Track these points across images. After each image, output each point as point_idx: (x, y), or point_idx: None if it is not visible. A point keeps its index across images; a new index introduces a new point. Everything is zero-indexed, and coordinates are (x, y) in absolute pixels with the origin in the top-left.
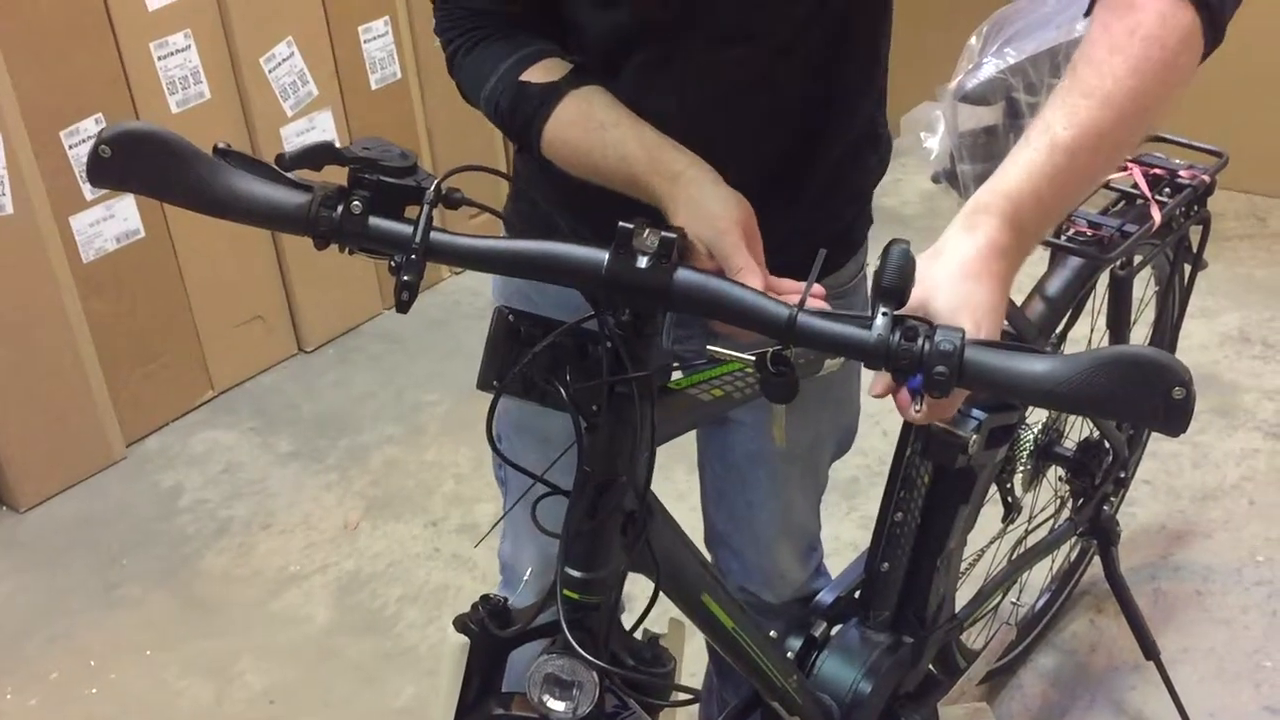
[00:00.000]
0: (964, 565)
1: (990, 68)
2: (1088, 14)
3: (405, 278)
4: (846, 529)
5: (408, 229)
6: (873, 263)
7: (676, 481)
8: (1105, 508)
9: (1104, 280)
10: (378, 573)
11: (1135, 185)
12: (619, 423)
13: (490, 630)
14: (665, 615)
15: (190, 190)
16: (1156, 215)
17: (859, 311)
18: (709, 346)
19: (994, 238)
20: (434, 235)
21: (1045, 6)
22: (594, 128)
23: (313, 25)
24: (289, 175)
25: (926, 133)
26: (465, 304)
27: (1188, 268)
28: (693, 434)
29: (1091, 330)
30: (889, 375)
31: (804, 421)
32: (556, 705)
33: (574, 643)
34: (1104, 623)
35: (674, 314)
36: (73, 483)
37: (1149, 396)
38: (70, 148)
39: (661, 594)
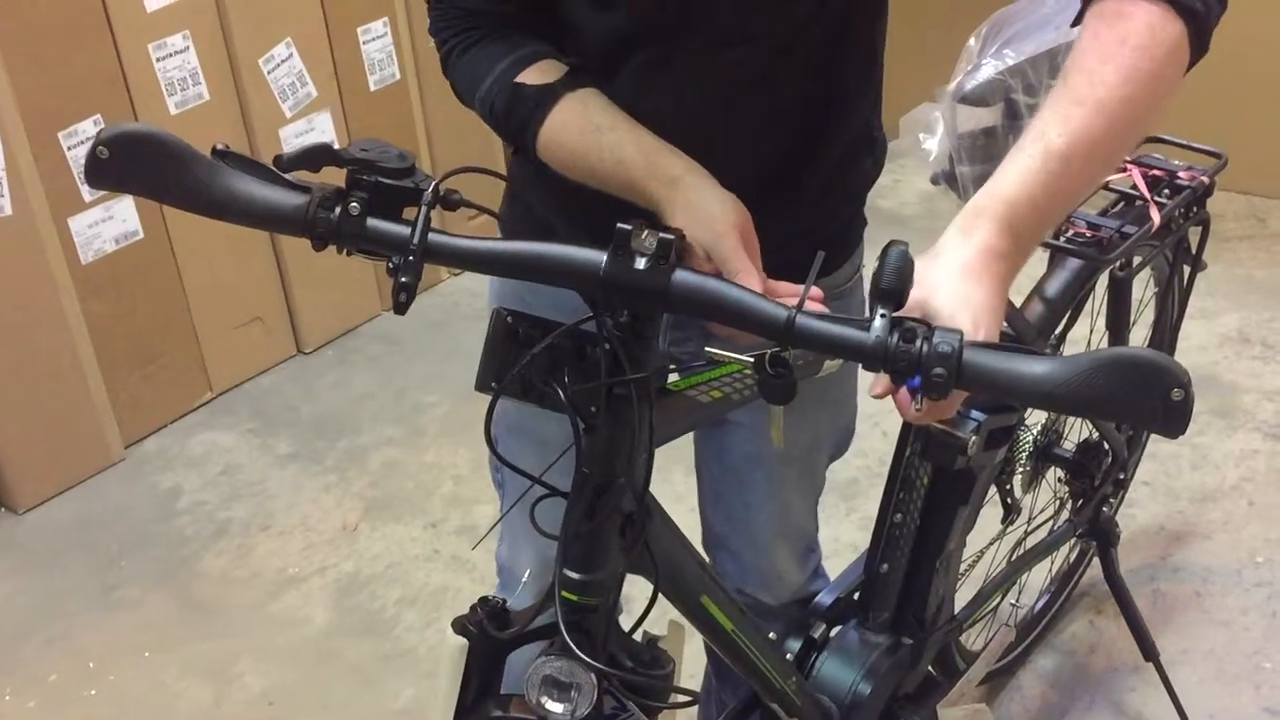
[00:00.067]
0: (963, 566)
1: (989, 69)
2: (1076, 23)
3: (403, 279)
4: (846, 530)
5: (405, 230)
6: (870, 264)
7: (675, 483)
8: (1104, 509)
9: (1103, 281)
10: (377, 574)
11: (1134, 186)
12: (617, 424)
13: (489, 632)
14: (664, 617)
15: (188, 191)
16: (1156, 216)
17: (858, 311)
18: (707, 348)
19: (991, 242)
20: (432, 236)
21: (1044, 8)
22: (590, 131)
23: (312, 26)
24: (287, 176)
25: (925, 134)
26: (464, 305)
27: (1187, 269)
28: (691, 435)
29: (1091, 331)
30: (888, 377)
31: (802, 423)
32: (555, 707)
33: (572, 644)
34: (1103, 624)
35: (671, 316)
36: (71, 484)
37: (1148, 398)
38: (69, 149)
39: (660, 596)
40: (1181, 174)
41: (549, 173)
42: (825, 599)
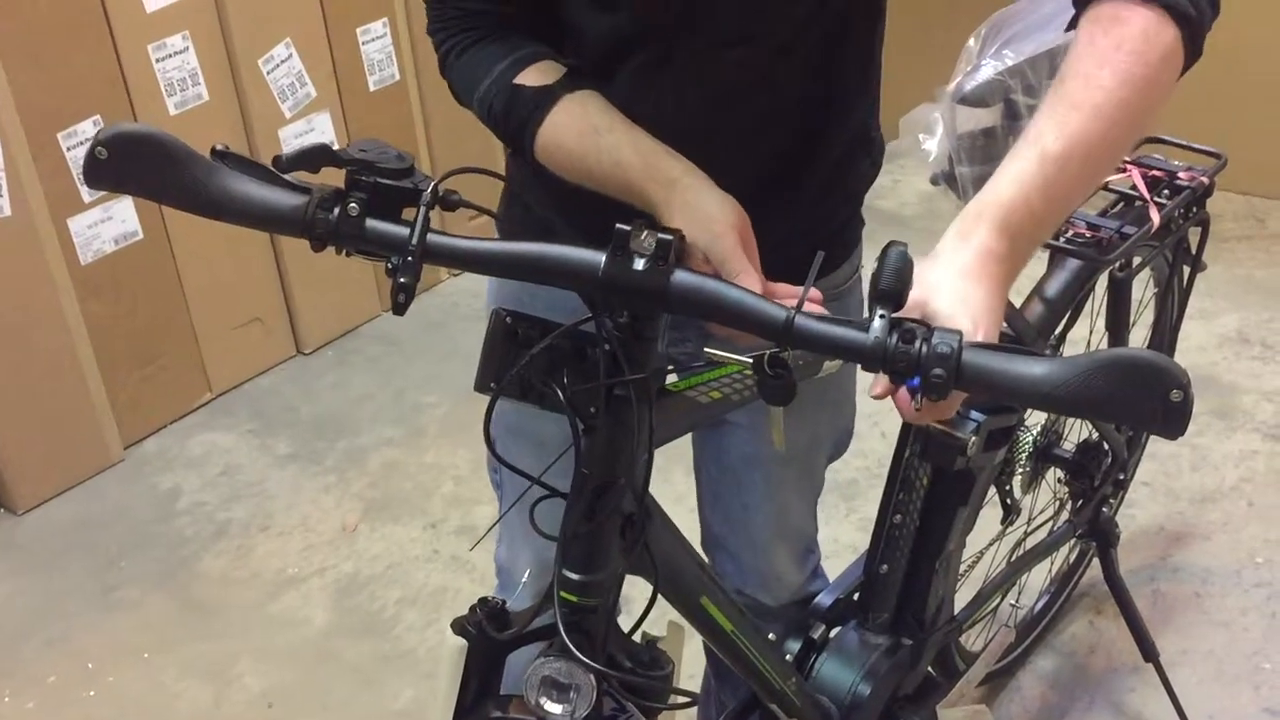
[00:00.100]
0: (963, 567)
1: (989, 69)
2: (1071, 28)
3: (401, 280)
4: (845, 531)
5: (404, 231)
6: (869, 264)
7: (675, 484)
8: (1104, 509)
9: (1103, 282)
10: (376, 575)
11: (1134, 187)
12: (617, 425)
13: (488, 633)
14: (664, 618)
15: (187, 192)
16: (1155, 217)
17: (857, 311)
18: (706, 349)
19: (989, 245)
20: (431, 237)
21: (1044, 8)
22: (589, 132)
23: (311, 27)
24: (286, 177)
25: (925, 135)
26: (464, 306)
27: (1187, 269)
28: (689, 436)
29: (1090, 332)
30: (888, 377)
31: (800, 423)
32: (554, 708)
33: (571, 646)
34: (1103, 624)
35: (669, 317)
36: (70, 485)
37: (1147, 399)
38: (68, 149)
39: (660, 597)
40: (1181, 174)
41: (547, 173)
42: (825, 600)
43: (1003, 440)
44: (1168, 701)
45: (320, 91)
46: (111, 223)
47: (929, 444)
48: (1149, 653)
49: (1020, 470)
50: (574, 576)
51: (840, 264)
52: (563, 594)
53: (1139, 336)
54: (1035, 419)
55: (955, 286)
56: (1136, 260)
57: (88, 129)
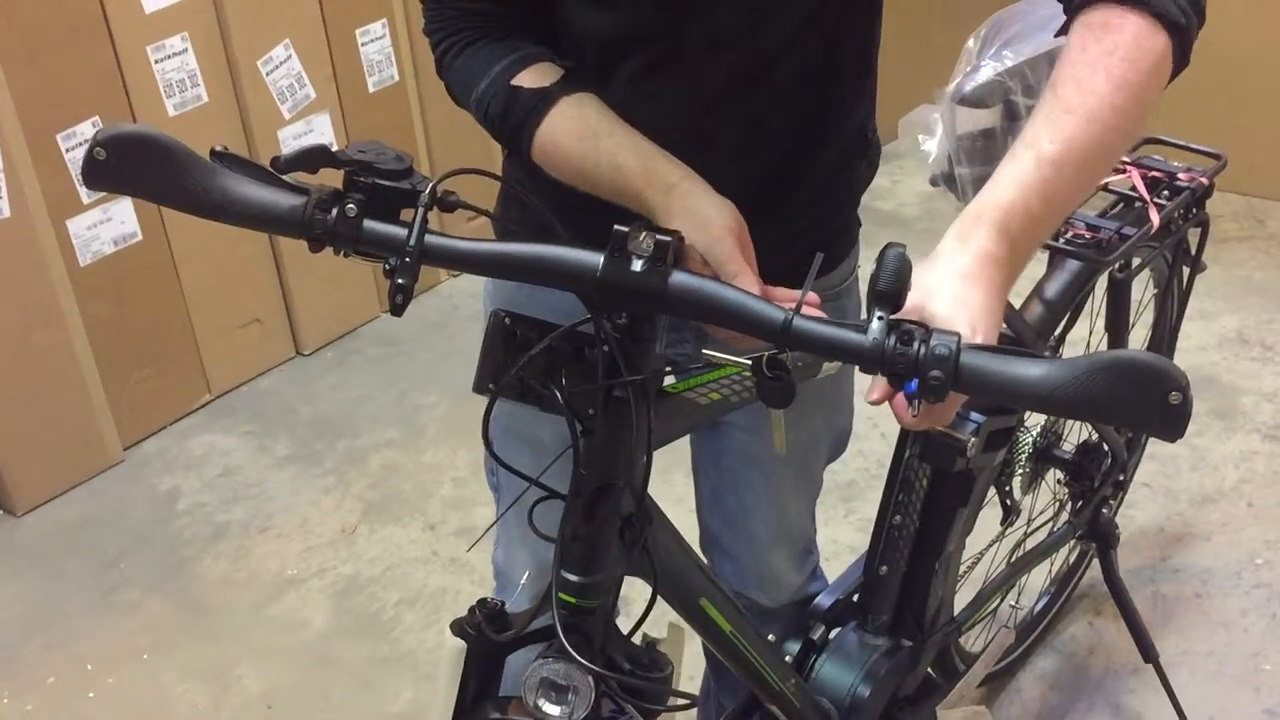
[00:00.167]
0: (963, 568)
1: (988, 70)
2: (1061, 33)
3: (399, 281)
4: (845, 532)
5: (402, 232)
6: (868, 265)
7: (675, 485)
8: (1104, 510)
9: (1102, 283)
10: (375, 576)
11: (1134, 188)
12: (615, 427)
13: (487, 634)
14: (663, 619)
15: (185, 193)
16: (1155, 218)
17: (855, 312)
18: (704, 350)
19: (988, 248)
20: (429, 238)
21: (1043, 9)
22: (587, 135)
23: (310, 28)
24: (284, 178)
25: (924, 135)
26: (463, 306)
27: (1186, 270)
28: (689, 437)
29: (1090, 333)
30: (885, 380)
31: (798, 424)
32: (552, 710)
33: (569, 647)
34: (1103, 625)
35: (667, 319)
36: (70, 486)
37: (1146, 401)
38: (67, 151)
39: (659, 598)
40: (1181, 175)
41: (541, 175)
42: (824, 601)
43: (1002, 441)
44: (1167, 702)
45: (319, 93)
46: (110, 224)
47: (929, 445)
48: (1149, 654)
49: (1020, 471)
50: (572, 578)
51: (838, 264)
52: (561, 596)
53: (1139, 337)
54: (1035, 420)
55: (954, 289)
56: (1136, 261)
57: (87, 130)
